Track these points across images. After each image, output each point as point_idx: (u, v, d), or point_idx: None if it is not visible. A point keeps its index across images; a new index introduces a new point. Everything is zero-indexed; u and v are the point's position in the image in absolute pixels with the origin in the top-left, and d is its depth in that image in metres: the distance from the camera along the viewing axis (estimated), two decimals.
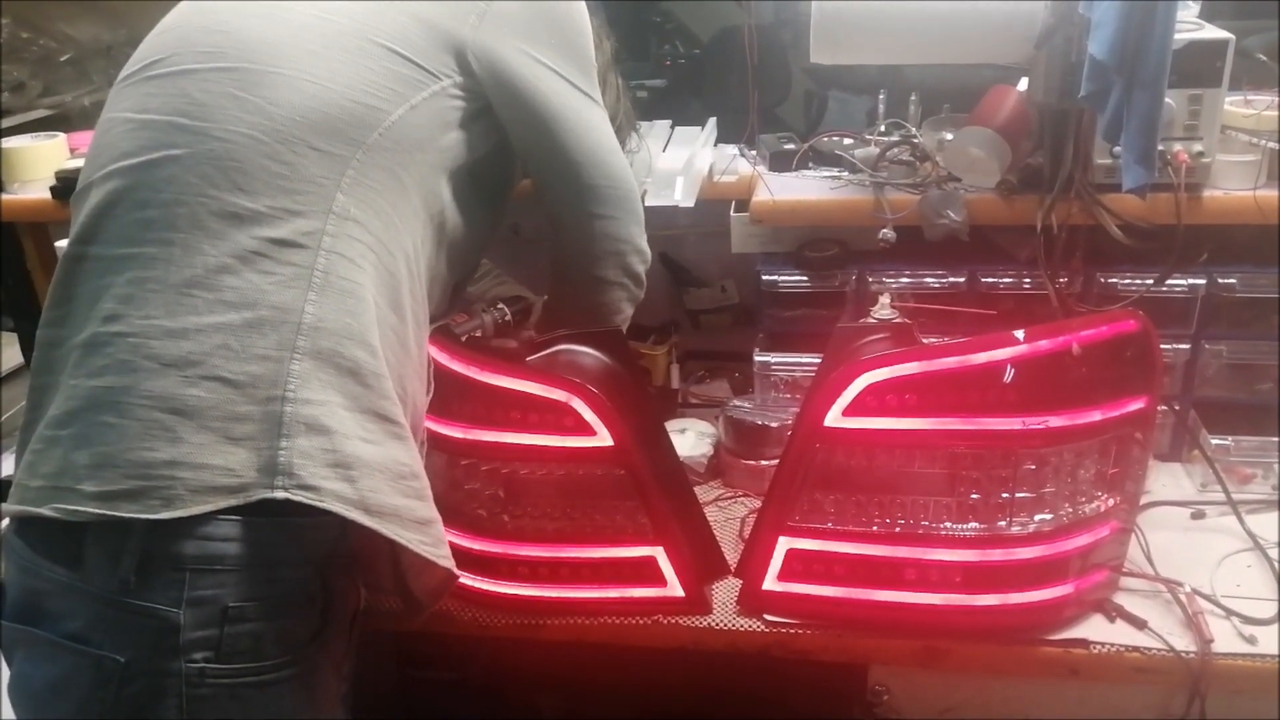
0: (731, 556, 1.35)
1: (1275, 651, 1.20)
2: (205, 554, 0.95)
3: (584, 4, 1.25)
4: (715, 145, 1.75)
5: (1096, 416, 1.17)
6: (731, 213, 1.64)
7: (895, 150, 1.58)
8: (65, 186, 1.68)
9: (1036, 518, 1.21)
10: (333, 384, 1.00)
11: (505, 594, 1.33)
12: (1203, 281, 1.49)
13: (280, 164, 1.02)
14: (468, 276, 1.36)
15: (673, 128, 1.82)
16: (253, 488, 0.95)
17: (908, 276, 1.57)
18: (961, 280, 1.56)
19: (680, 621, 1.31)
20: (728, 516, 1.50)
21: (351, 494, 0.99)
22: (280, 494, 0.95)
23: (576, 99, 1.22)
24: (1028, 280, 1.53)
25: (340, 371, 1.00)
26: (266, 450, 0.96)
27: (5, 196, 1.74)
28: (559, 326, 1.34)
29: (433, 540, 1.09)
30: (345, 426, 0.99)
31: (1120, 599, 1.28)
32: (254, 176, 1.01)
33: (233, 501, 0.95)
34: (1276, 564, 1.32)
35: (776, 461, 1.30)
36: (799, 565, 1.27)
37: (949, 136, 1.49)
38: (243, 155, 1.01)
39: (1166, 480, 1.53)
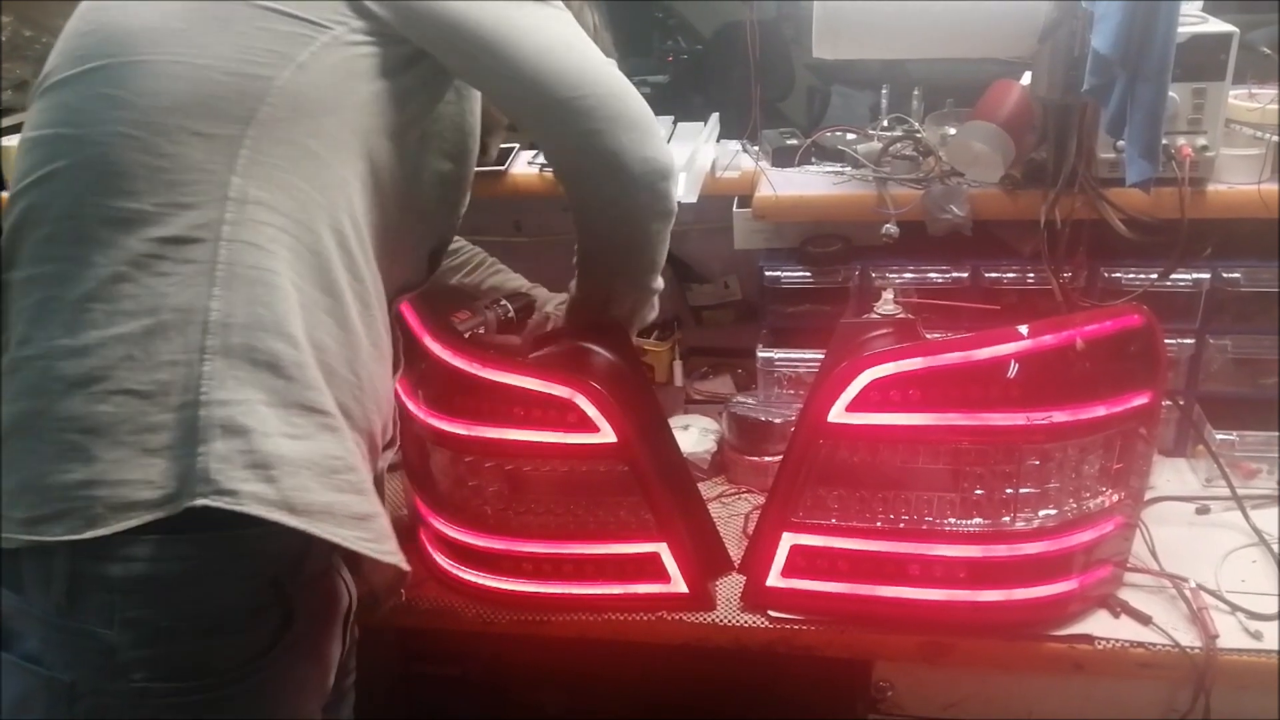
0: (735, 553, 1.35)
1: None
2: (133, 574, 0.92)
3: None
4: (718, 141, 1.74)
5: (1100, 411, 1.17)
6: (734, 209, 1.64)
7: (898, 145, 1.57)
8: None
9: (1041, 513, 1.21)
10: (250, 380, 0.94)
11: (509, 590, 1.33)
12: (1207, 276, 1.48)
13: (160, 158, 0.95)
14: (448, 235, 1.25)
15: (675, 123, 1.82)
16: (174, 499, 0.91)
17: (911, 272, 1.57)
18: (965, 275, 1.56)
19: (684, 618, 1.31)
20: (731, 513, 1.50)
21: (273, 494, 0.93)
22: (200, 501, 0.91)
23: (507, 4, 1.05)
24: (1031, 275, 1.53)
25: (257, 366, 0.94)
26: (185, 458, 0.92)
27: (5, 194, 1.74)
28: (600, 293, 1.27)
29: (374, 535, 1.02)
30: (266, 424, 0.94)
31: (1125, 594, 1.28)
32: (135, 176, 0.95)
33: (157, 514, 0.91)
34: None
35: (780, 457, 1.30)
36: (803, 561, 1.27)
37: (952, 131, 1.49)
38: (120, 156, 0.95)
39: (1171, 475, 1.52)
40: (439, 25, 1.03)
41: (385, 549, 1.04)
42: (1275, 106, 1.39)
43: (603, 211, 1.17)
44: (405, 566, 1.08)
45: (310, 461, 0.96)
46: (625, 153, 1.09)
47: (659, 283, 1.26)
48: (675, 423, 1.61)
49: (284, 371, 0.95)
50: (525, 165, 1.72)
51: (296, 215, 0.98)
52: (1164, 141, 1.32)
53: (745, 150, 1.70)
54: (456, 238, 1.47)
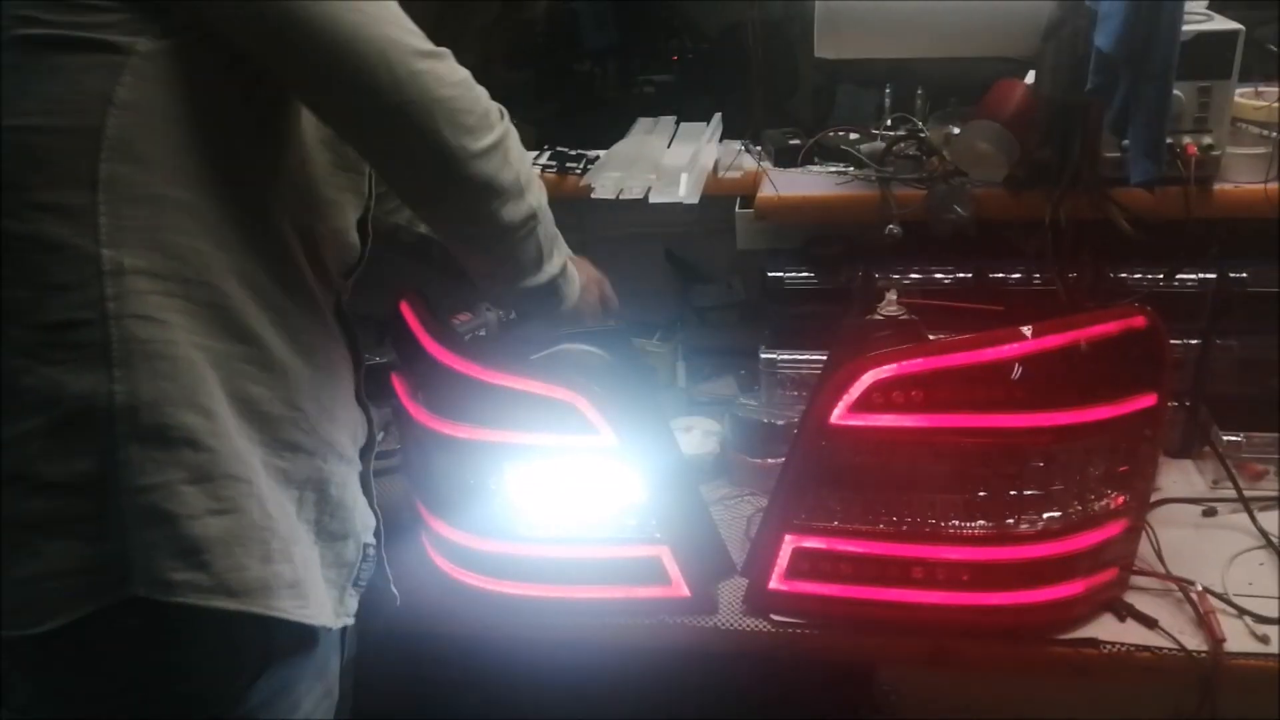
0: (738, 555, 1.34)
1: None
2: (75, 667, 0.91)
3: None
4: (720, 141, 1.74)
5: (1105, 413, 1.16)
6: (737, 209, 1.63)
7: (901, 145, 1.56)
8: None
9: (1045, 516, 1.20)
10: (168, 461, 0.89)
11: (510, 594, 1.33)
12: (1213, 276, 1.47)
13: (16, 241, 0.86)
14: (368, 201, 1.13)
15: (678, 123, 1.81)
16: (111, 589, 0.89)
17: (915, 272, 1.56)
18: (969, 276, 1.55)
19: (686, 621, 1.30)
20: (734, 515, 1.49)
21: (207, 581, 0.90)
22: (138, 592, 0.88)
23: None
24: (1036, 276, 1.52)
25: (172, 445, 0.89)
26: (116, 549, 0.89)
27: None
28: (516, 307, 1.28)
29: (301, 600, 0.98)
30: (190, 505, 0.90)
31: (1130, 598, 1.27)
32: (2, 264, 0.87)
33: (95, 605, 0.89)
34: None
35: (783, 459, 1.29)
36: (805, 564, 1.26)
37: (956, 131, 1.48)
38: None
39: (1177, 477, 1.51)
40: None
41: (310, 613, 0.99)
42: None
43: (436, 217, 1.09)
44: (329, 625, 1.03)
45: (242, 536, 0.93)
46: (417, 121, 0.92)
47: (549, 269, 1.12)
48: (677, 424, 1.61)
49: (200, 445, 0.91)
50: None
51: (185, 274, 0.90)
52: (1169, 140, 1.31)
53: (748, 150, 1.69)
54: None
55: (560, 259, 1.14)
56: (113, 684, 0.93)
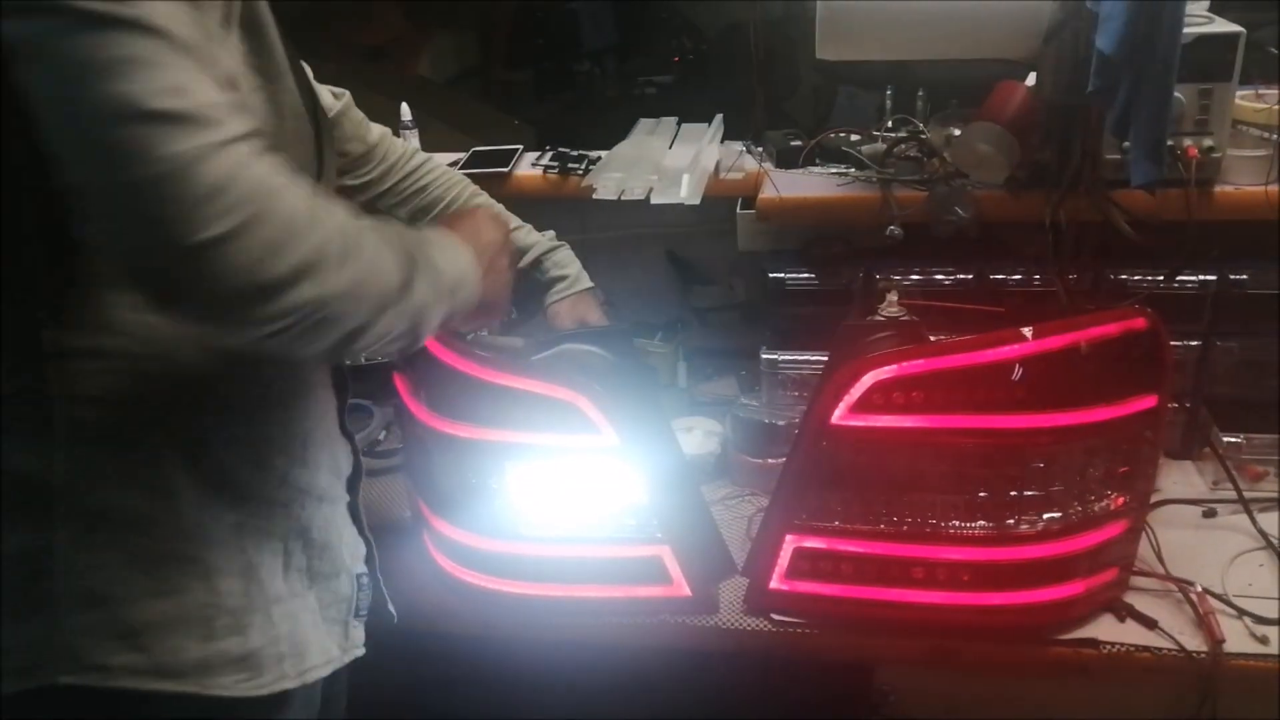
0: (739, 555, 1.34)
1: None
2: None
3: None
4: (722, 142, 1.74)
5: (1106, 414, 1.16)
6: (738, 210, 1.64)
7: (903, 146, 1.57)
8: None
9: (1045, 516, 1.20)
10: (108, 543, 0.88)
11: (511, 593, 1.33)
12: (1214, 278, 1.48)
13: None
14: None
15: (679, 124, 1.82)
16: (44, 671, 0.87)
17: (915, 274, 1.56)
18: (969, 277, 1.55)
19: (686, 621, 1.31)
20: (735, 515, 1.49)
21: (145, 663, 0.88)
22: (67, 679, 0.87)
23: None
24: (1036, 277, 1.53)
25: (113, 527, 0.88)
26: (49, 630, 0.87)
27: None
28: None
29: (250, 673, 0.95)
30: (129, 588, 0.88)
31: (1130, 598, 1.27)
32: None
33: (29, 684, 0.87)
34: None
35: (784, 460, 1.30)
36: (806, 564, 1.26)
37: (957, 132, 1.48)
38: None
39: (1177, 478, 1.51)
40: None
41: (263, 681, 0.96)
42: None
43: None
44: (285, 689, 0.98)
45: (182, 617, 0.91)
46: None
47: (415, 297, 0.88)
48: (678, 425, 1.61)
49: (145, 526, 0.89)
50: (529, 166, 1.72)
51: (133, 350, 0.87)
52: (1170, 142, 1.31)
53: (749, 151, 1.69)
54: (425, 171, 1.40)
55: (401, 315, 0.87)
56: None
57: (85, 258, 0.84)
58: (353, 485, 1.11)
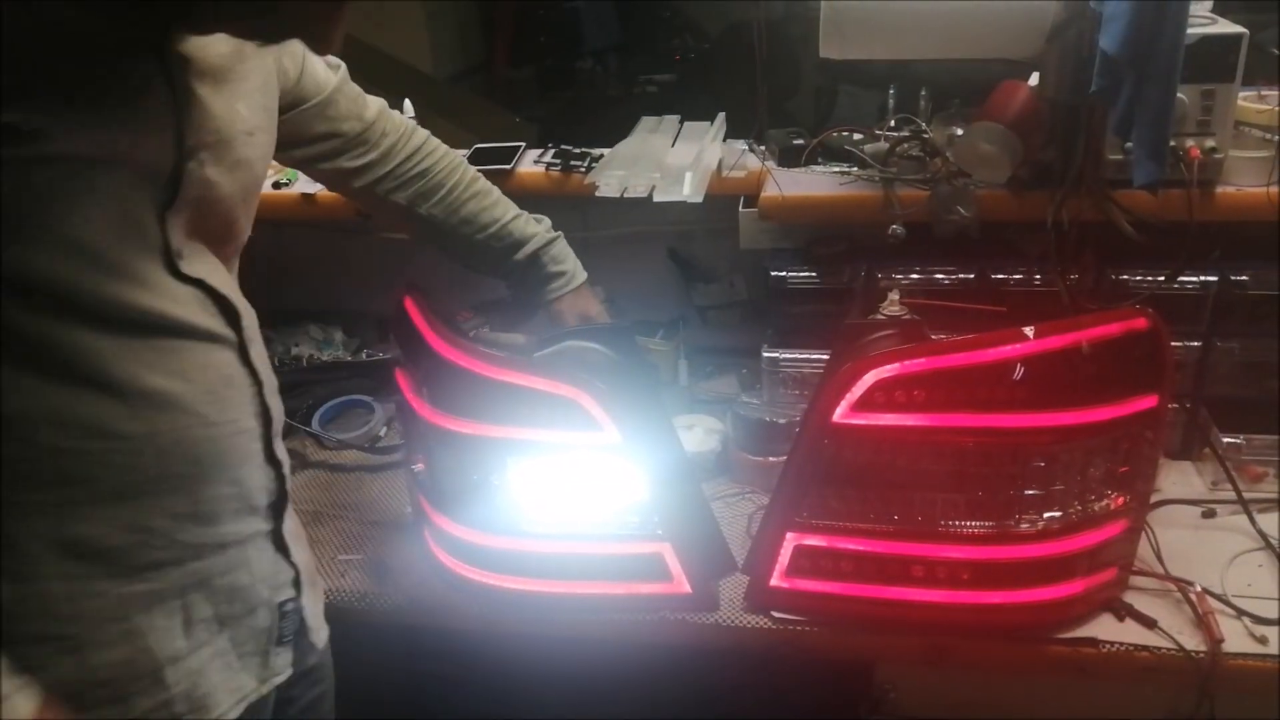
0: (739, 553, 1.35)
1: None
2: None
3: None
4: (724, 140, 1.74)
5: (1106, 414, 1.16)
6: (740, 208, 1.64)
7: (905, 146, 1.57)
8: None
9: (1045, 515, 1.21)
10: None
11: (513, 589, 1.33)
12: (1215, 278, 1.48)
13: None
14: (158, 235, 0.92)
15: (681, 123, 1.82)
16: None
17: (917, 273, 1.57)
18: (971, 276, 1.56)
19: (687, 618, 1.31)
20: (735, 513, 1.50)
21: None
22: None
23: None
24: (1038, 277, 1.53)
25: None
26: None
27: None
28: None
29: (216, 698, 0.98)
30: None
31: (1130, 598, 1.27)
32: None
33: None
34: None
35: (784, 458, 1.30)
36: (806, 562, 1.27)
37: (959, 132, 1.48)
38: None
39: (1177, 478, 1.52)
40: None
41: (226, 708, 0.98)
42: None
43: None
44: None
45: (52, 693, 0.88)
46: None
47: None
48: (680, 422, 1.61)
49: (3, 612, 0.87)
50: (531, 163, 1.72)
51: None
52: (1172, 143, 1.31)
53: (752, 150, 1.69)
54: (425, 153, 1.35)
55: None
56: None
57: None
58: (276, 513, 1.04)
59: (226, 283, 0.98)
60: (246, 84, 1.00)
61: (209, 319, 0.95)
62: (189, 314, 0.93)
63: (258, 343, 1.01)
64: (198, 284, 0.94)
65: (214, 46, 0.94)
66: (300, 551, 1.09)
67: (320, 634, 1.14)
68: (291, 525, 1.08)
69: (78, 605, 0.90)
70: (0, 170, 0.78)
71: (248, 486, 1.00)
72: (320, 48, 0.90)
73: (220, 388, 0.95)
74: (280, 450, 1.05)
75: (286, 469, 1.06)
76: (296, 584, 1.08)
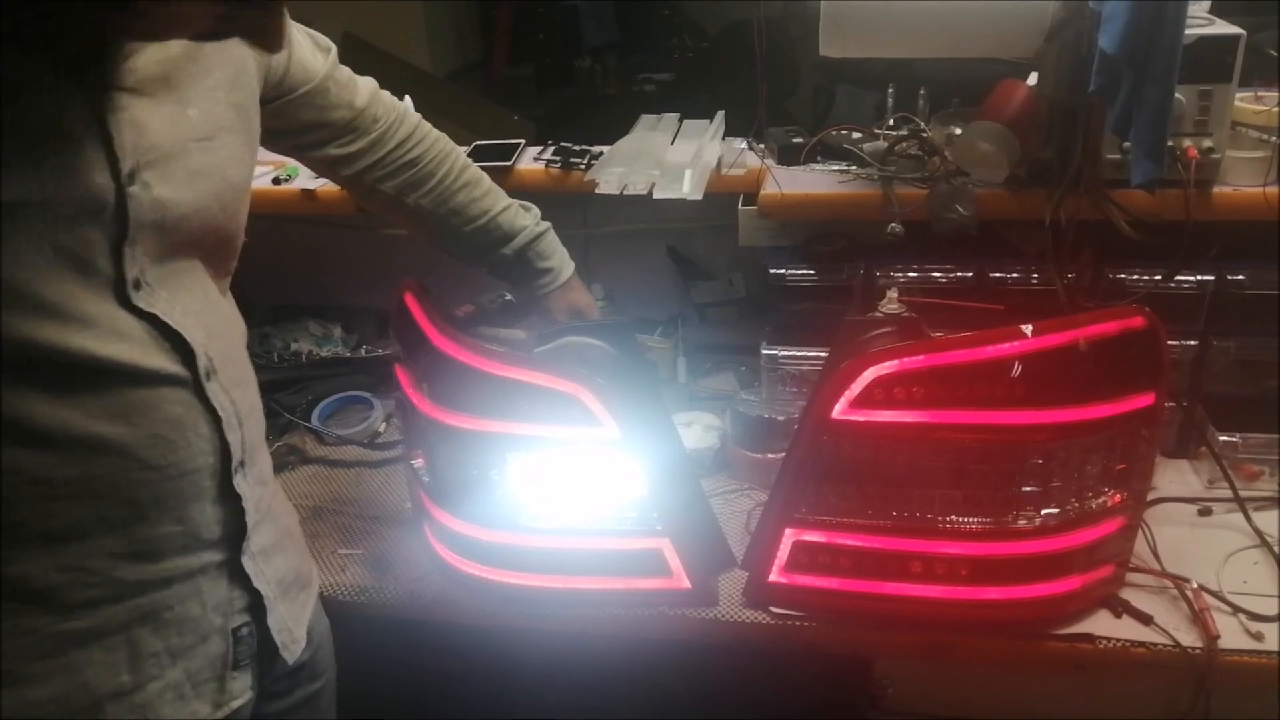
0: (738, 550, 1.35)
1: None
2: None
3: None
4: (723, 138, 1.75)
5: (1103, 412, 1.17)
6: (739, 206, 1.64)
7: (904, 144, 1.57)
8: None
9: (1043, 512, 1.21)
10: None
11: (512, 583, 1.34)
12: (1211, 277, 1.49)
13: None
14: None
15: (681, 121, 1.82)
16: None
17: (915, 271, 1.57)
18: (969, 275, 1.56)
19: (686, 613, 1.31)
20: (734, 509, 1.50)
21: None
22: None
23: None
24: (1036, 275, 1.53)
25: None
26: None
27: None
28: None
29: None
30: None
31: (1126, 594, 1.28)
32: None
33: None
34: None
35: (783, 455, 1.30)
36: (805, 557, 1.27)
37: (958, 131, 1.49)
38: None
39: (1173, 477, 1.53)
40: None
41: None
42: None
43: None
44: None
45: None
46: None
47: None
48: (679, 419, 1.62)
49: None
50: (531, 161, 1.73)
51: None
52: (1169, 143, 1.32)
53: (751, 148, 1.70)
54: (415, 141, 1.32)
55: None
56: None
57: None
58: (232, 544, 1.00)
59: (191, 313, 0.94)
60: (202, 84, 0.95)
61: (158, 357, 0.90)
62: (135, 354, 0.88)
63: (225, 373, 0.96)
64: (150, 319, 0.90)
65: (151, 54, 0.89)
66: (274, 568, 1.05)
67: (295, 647, 1.09)
68: (264, 542, 1.04)
69: (12, 642, 0.88)
70: None
71: (195, 524, 0.96)
72: (270, 46, 0.88)
73: (166, 430, 0.91)
74: (241, 484, 0.99)
75: (249, 501, 1.00)
76: (256, 607, 1.04)
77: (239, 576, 1.02)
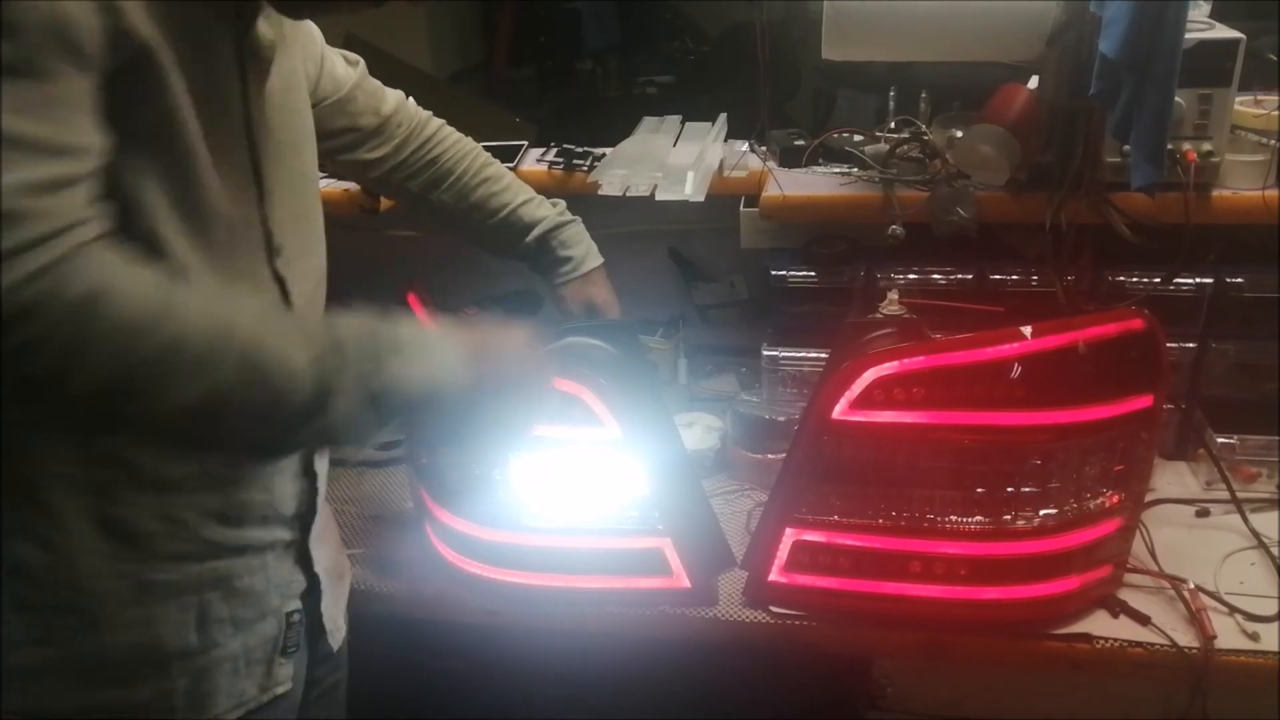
0: (738, 549, 1.36)
1: (1278, 648, 1.20)
2: None
3: None
4: (725, 141, 1.75)
5: (1102, 413, 1.18)
6: (741, 208, 1.65)
7: (905, 147, 1.58)
8: None
9: (1042, 512, 1.22)
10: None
11: (513, 582, 1.34)
12: (1210, 281, 1.49)
13: None
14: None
15: (683, 123, 1.83)
16: None
17: (916, 273, 1.58)
18: (970, 277, 1.57)
19: (686, 612, 1.32)
20: (734, 510, 1.51)
21: (20, 704, 0.91)
22: None
23: None
24: (1035, 278, 1.54)
25: (5, 573, 0.89)
26: None
27: None
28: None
29: (216, 698, 0.98)
30: (11, 633, 0.90)
31: (1124, 595, 1.29)
32: None
33: None
34: None
35: (783, 455, 1.31)
36: (805, 557, 1.28)
37: (959, 134, 1.49)
38: None
39: (1172, 478, 1.53)
40: None
41: (223, 712, 0.98)
42: None
43: None
44: None
45: (61, 667, 0.92)
46: None
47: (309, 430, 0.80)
48: (680, 420, 1.62)
49: (31, 574, 0.89)
50: (534, 162, 1.73)
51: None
52: (1169, 147, 1.33)
53: (753, 150, 1.71)
54: (436, 141, 1.38)
55: (348, 397, 0.79)
56: None
57: None
58: (302, 525, 1.06)
59: (305, 293, 1.01)
60: (286, 81, 1.01)
61: None
62: None
63: None
64: (280, 283, 0.97)
65: (263, 35, 0.93)
66: (325, 554, 1.11)
67: (339, 634, 1.16)
68: (319, 529, 1.09)
69: (104, 583, 0.92)
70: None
71: (277, 496, 1.01)
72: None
73: None
74: (319, 464, 1.07)
75: (322, 483, 1.08)
76: (310, 594, 1.09)
77: (303, 559, 1.07)
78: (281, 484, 1.02)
